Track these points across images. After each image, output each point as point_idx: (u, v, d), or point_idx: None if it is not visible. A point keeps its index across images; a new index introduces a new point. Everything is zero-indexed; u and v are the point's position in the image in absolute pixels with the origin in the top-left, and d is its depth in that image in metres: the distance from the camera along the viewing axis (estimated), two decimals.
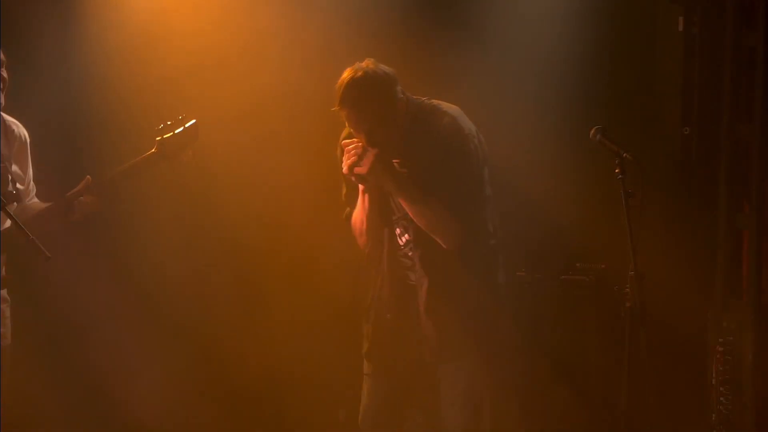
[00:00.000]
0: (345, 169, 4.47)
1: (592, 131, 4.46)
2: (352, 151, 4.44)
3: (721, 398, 5.48)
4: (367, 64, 4.45)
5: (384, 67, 4.47)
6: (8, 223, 4.62)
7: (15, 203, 4.77)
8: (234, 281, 6.28)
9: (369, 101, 4.39)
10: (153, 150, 4.71)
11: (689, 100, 5.92)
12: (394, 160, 4.50)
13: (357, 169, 4.43)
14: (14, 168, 4.84)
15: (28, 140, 4.92)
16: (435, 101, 4.55)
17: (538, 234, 5.78)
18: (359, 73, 4.41)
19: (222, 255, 6.29)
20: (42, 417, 5.89)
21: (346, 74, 4.43)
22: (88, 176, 4.72)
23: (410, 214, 4.46)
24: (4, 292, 4.81)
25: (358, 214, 4.63)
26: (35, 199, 4.94)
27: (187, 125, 4.73)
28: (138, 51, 6.07)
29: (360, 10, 6.09)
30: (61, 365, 6.05)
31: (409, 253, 4.57)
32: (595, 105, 6.04)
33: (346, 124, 4.48)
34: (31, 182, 4.95)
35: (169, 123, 4.71)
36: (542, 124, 5.97)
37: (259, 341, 6.24)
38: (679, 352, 5.87)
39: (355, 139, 4.47)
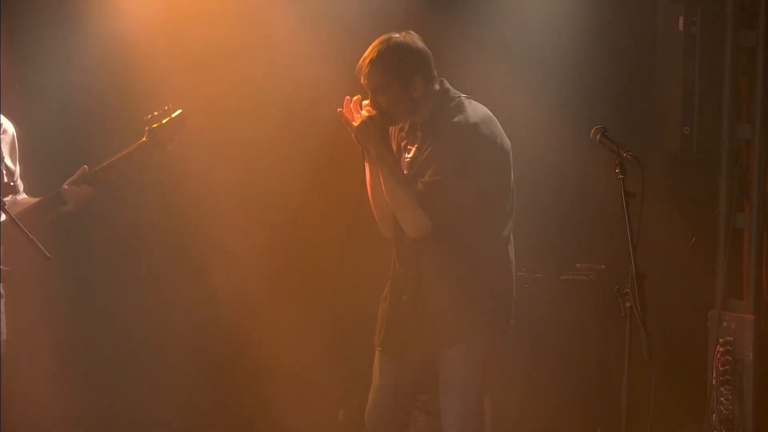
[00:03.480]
0: (346, 124, 4.55)
1: (592, 131, 4.45)
2: (360, 107, 4.52)
3: (722, 398, 5.47)
4: (404, 34, 4.54)
5: (417, 43, 4.54)
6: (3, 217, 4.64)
7: (10, 195, 4.84)
8: (233, 280, 6.27)
9: (380, 64, 4.47)
10: (144, 139, 4.86)
11: (689, 100, 5.92)
12: (411, 146, 4.56)
13: (352, 124, 4.50)
14: (7, 162, 4.89)
15: (15, 135, 4.97)
16: (468, 99, 4.58)
17: (538, 234, 5.78)
18: (387, 38, 4.52)
19: (221, 254, 6.29)
20: (42, 416, 5.90)
21: (381, 37, 4.54)
22: (84, 166, 4.81)
23: (383, 188, 4.51)
24: (0, 287, 4.84)
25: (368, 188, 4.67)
26: (23, 195, 4.98)
27: (173, 115, 4.88)
28: (134, 49, 6.08)
29: (362, 8, 6.10)
30: (58, 364, 6.05)
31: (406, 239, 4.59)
32: (595, 105, 6.04)
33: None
34: (19, 178, 5.00)
35: (156, 113, 4.87)
36: (542, 123, 5.97)
37: (258, 341, 6.24)
38: (679, 352, 5.87)
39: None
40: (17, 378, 5.10)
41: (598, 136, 4.43)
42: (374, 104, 4.51)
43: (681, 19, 5.87)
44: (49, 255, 4.20)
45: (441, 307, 4.54)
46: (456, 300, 4.53)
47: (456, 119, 4.49)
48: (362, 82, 4.54)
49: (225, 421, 6.28)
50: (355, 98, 4.54)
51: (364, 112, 4.51)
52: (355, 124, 4.49)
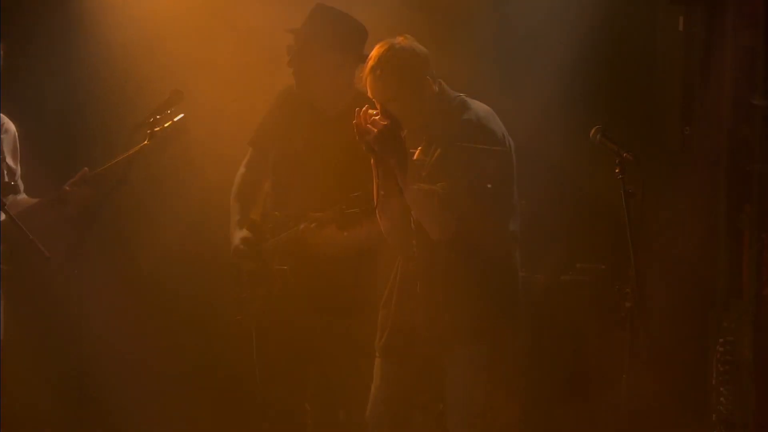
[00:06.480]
0: (357, 134, 4.44)
1: (592, 131, 4.46)
2: (369, 119, 4.42)
3: (721, 398, 5.48)
4: (402, 39, 4.48)
5: (418, 46, 4.49)
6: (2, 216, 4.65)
7: (10, 195, 4.85)
8: (234, 280, 6.26)
9: (389, 73, 4.41)
10: (146, 142, 4.82)
11: (689, 100, 5.92)
12: (413, 149, 4.51)
13: (366, 137, 4.41)
14: (9, 161, 4.91)
15: (16, 135, 4.98)
16: (468, 98, 4.56)
17: (538, 234, 5.78)
18: (389, 45, 4.44)
19: (221, 254, 6.28)
20: (42, 416, 5.90)
21: (379, 44, 4.47)
22: (85, 168, 4.81)
23: (405, 195, 4.44)
24: None
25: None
26: (23, 195, 4.99)
27: (176, 119, 4.85)
28: (136, 48, 6.08)
29: (362, 9, 6.10)
30: (59, 364, 6.05)
31: (414, 241, 4.58)
32: (595, 105, 6.03)
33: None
34: (19, 178, 5.01)
35: (158, 117, 4.82)
36: (542, 123, 5.97)
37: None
38: (679, 352, 5.87)
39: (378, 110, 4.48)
40: (17, 378, 5.10)
41: (598, 136, 4.44)
42: (386, 115, 4.41)
43: (681, 19, 5.88)
44: (48, 255, 4.21)
45: (451, 308, 4.53)
46: (466, 300, 4.52)
47: (465, 117, 4.47)
48: (369, 94, 4.47)
49: (225, 421, 6.28)
50: (363, 109, 4.44)
51: (371, 111, 4.45)
52: (371, 139, 4.38)
